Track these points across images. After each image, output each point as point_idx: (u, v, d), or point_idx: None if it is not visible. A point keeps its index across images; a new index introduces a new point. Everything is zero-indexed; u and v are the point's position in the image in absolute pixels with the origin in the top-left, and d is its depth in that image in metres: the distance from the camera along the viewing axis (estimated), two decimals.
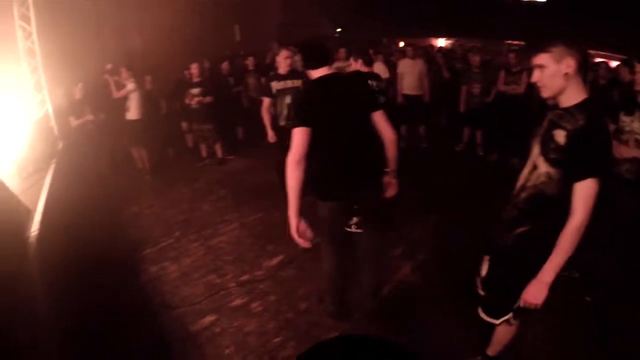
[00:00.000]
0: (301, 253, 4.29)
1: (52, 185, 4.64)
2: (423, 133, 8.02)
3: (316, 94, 2.82)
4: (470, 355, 2.96)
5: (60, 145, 6.19)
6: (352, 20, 13.69)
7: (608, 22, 11.68)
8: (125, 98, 6.53)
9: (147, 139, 6.90)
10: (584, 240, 2.81)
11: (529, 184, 2.19)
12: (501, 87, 7.00)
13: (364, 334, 0.97)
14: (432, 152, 7.70)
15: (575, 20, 11.91)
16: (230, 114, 7.90)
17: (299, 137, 2.65)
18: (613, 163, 2.58)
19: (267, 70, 7.70)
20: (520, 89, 6.82)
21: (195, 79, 6.99)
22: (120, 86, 6.53)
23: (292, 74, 5.13)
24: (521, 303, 2.22)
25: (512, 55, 7.01)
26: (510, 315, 2.39)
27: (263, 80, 5.31)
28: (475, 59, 7.28)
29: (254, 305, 3.57)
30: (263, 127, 5.31)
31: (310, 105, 2.76)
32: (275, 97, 5.06)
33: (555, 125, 2.04)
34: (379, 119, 2.86)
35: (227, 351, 3.10)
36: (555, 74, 1.99)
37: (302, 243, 2.97)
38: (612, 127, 3.46)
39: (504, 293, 2.34)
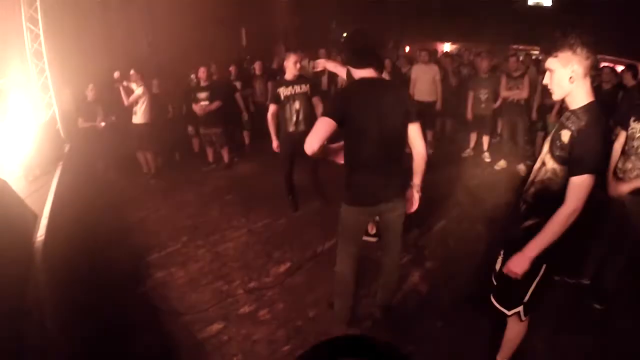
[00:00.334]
0: (309, 260, 4.28)
1: (58, 189, 4.63)
2: (431, 139, 7.98)
3: (356, 93, 2.79)
4: None
5: (67, 147, 6.18)
6: (359, 23, 13.68)
7: (614, 27, 11.66)
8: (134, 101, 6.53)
9: (154, 142, 6.90)
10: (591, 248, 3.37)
11: (537, 179, 2.32)
12: (504, 92, 6.96)
13: (361, 334, 0.96)
14: (439, 158, 7.65)
15: (581, 24, 11.88)
16: (237, 118, 7.88)
17: (322, 125, 2.66)
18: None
19: (274, 74, 7.70)
20: (524, 93, 6.79)
21: (203, 83, 6.98)
22: (129, 91, 6.52)
23: (300, 79, 5.06)
24: (505, 270, 2.34)
25: (512, 60, 7.00)
26: (521, 308, 2.46)
27: (270, 86, 5.21)
28: (484, 64, 7.25)
29: (262, 312, 3.54)
30: (269, 132, 5.25)
31: (346, 102, 2.75)
32: (283, 103, 5.00)
33: (563, 126, 2.19)
34: (414, 132, 2.85)
35: (235, 359, 3.06)
36: (561, 78, 2.12)
37: None
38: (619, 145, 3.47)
39: (513, 283, 2.38)
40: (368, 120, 2.70)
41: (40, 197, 4.33)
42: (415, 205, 3.10)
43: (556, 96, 2.20)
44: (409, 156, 2.94)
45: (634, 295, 3.80)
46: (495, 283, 2.64)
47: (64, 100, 6.67)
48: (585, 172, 2.04)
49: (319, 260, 4.25)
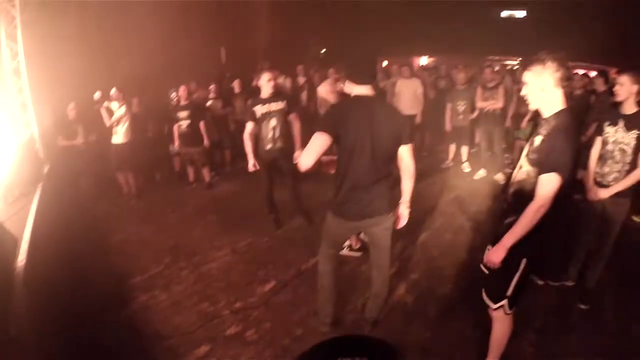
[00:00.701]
0: (294, 278, 4.27)
1: (38, 211, 4.56)
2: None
3: (352, 111, 2.83)
4: None
5: (46, 168, 6.09)
6: (337, 40, 13.82)
7: (586, 34, 12.01)
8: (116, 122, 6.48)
9: (134, 162, 6.83)
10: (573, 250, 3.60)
11: (515, 181, 2.56)
12: (480, 103, 7.08)
13: (360, 335, 0.96)
14: (420, 171, 7.70)
15: (554, 33, 12.23)
16: (217, 137, 7.85)
17: (318, 141, 2.72)
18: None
19: (254, 92, 7.74)
20: (499, 103, 6.91)
21: (183, 102, 6.97)
22: (110, 112, 6.46)
23: (276, 96, 5.06)
24: (485, 259, 2.56)
25: (487, 71, 7.13)
26: (505, 301, 2.61)
27: (248, 103, 5.23)
28: (460, 76, 7.40)
29: (249, 333, 3.50)
30: None
31: (342, 118, 2.79)
32: (260, 121, 4.99)
33: (537, 132, 2.45)
34: (405, 153, 2.96)
35: None
36: (534, 89, 2.38)
37: None
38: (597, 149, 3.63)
39: (498, 278, 2.58)
40: (361, 138, 2.75)
41: (19, 219, 4.26)
42: (403, 222, 3.21)
43: (532, 105, 2.47)
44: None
45: (618, 295, 3.93)
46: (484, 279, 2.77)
47: (45, 119, 6.58)
48: (550, 171, 2.25)
49: (303, 278, 4.24)
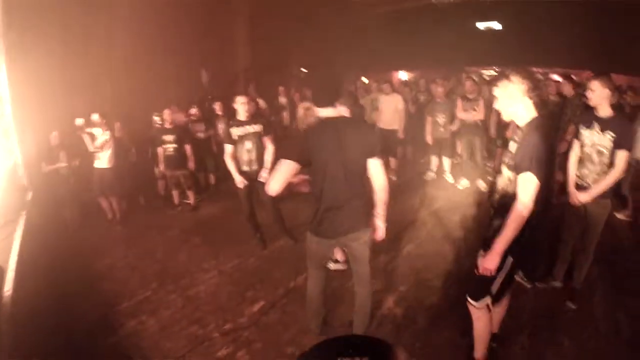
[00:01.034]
0: (282, 297, 4.27)
1: (23, 239, 4.50)
2: (394, 166, 8.15)
3: (318, 134, 2.92)
4: None
5: (29, 195, 6.02)
6: (316, 59, 13.94)
7: (561, 43, 12.30)
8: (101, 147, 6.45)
9: (118, 187, 6.78)
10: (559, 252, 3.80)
11: (498, 187, 2.72)
12: (460, 114, 7.20)
13: (360, 335, 0.97)
14: (404, 184, 7.82)
15: (530, 43, 12.52)
16: (201, 160, 7.85)
17: (284, 168, 2.82)
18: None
19: (236, 114, 7.79)
20: (479, 115, 7.03)
21: (168, 126, 7.00)
22: (93, 137, 6.43)
23: (252, 119, 5.16)
24: (480, 270, 2.64)
25: (468, 83, 7.25)
26: (488, 298, 2.75)
27: (224, 126, 5.32)
28: (438, 90, 7.52)
29: (240, 354, 3.49)
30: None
31: (309, 144, 2.88)
32: (237, 143, 5.06)
33: (513, 140, 2.63)
34: (374, 167, 2.96)
35: None
36: (504, 102, 2.58)
37: None
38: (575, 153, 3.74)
39: (482, 275, 2.68)
40: (332, 160, 2.83)
41: (4, 248, 4.20)
42: (380, 234, 3.22)
43: (504, 117, 2.68)
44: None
45: (607, 293, 4.04)
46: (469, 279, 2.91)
47: (28, 145, 6.51)
48: (526, 170, 2.41)
49: (292, 297, 4.25)
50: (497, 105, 2.63)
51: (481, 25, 16.04)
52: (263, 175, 4.96)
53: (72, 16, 8.92)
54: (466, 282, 2.78)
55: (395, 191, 7.21)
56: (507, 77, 2.51)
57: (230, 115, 7.79)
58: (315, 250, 3.21)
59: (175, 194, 7.39)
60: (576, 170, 3.73)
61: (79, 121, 6.51)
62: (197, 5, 11.34)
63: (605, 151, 3.51)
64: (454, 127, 7.51)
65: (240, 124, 5.08)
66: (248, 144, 5.04)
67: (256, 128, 5.09)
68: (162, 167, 7.17)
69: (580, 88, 7.12)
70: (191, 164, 7.07)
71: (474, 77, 7.55)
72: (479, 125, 7.17)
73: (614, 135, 3.45)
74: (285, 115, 9.00)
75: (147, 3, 9.46)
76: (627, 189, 5.78)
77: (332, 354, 0.93)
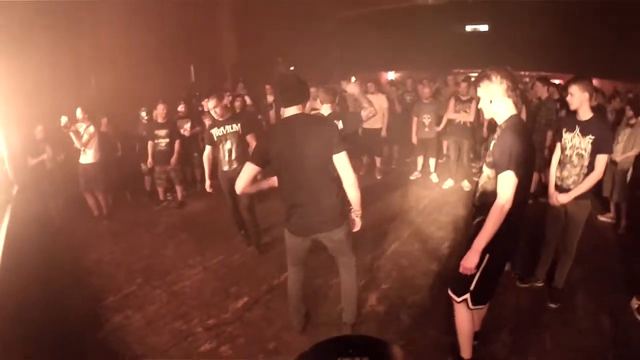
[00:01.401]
0: (266, 293, 4.33)
1: (8, 233, 4.50)
2: (380, 165, 8.23)
3: (276, 135, 3.03)
4: None
5: (15, 189, 6.01)
6: (304, 57, 13.98)
7: (546, 46, 12.47)
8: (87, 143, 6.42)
9: (104, 182, 6.76)
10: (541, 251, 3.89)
11: (480, 185, 2.77)
12: (451, 115, 7.28)
13: (360, 335, 0.99)
14: (388, 182, 7.91)
15: (516, 46, 12.67)
16: (189, 156, 7.87)
17: (246, 169, 3.02)
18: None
19: None
20: (470, 117, 7.11)
21: (162, 120, 7.04)
22: (78, 134, 6.39)
23: (231, 118, 5.14)
24: (461, 269, 2.68)
25: (464, 85, 7.30)
26: (468, 295, 2.78)
27: (206, 126, 5.29)
28: (425, 91, 7.59)
29: (223, 349, 3.54)
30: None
31: (267, 146, 3.01)
32: (217, 143, 5.07)
33: (492, 138, 2.70)
34: (339, 161, 2.94)
35: None
36: (485, 102, 2.63)
37: None
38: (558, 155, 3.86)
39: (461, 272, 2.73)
40: (289, 158, 2.92)
41: None
42: (357, 227, 3.29)
43: (486, 116, 2.74)
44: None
45: (588, 292, 4.15)
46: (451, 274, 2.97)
47: (12, 140, 6.48)
48: (505, 169, 2.45)
49: (275, 293, 4.30)
50: (480, 104, 2.71)
51: (469, 28, 16.19)
52: None
53: (59, 12, 8.88)
54: (450, 278, 2.82)
55: (381, 190, 7.39)
56: (487, 76, 2.56)
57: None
58: (290, 246, 3.29)
59: (160, 190, 7.40)
60: (557, 172, 3.83)
61: (64, 119, 6.44)
62: (185, 2, 11.33)
63: (585, 154, 3.59)
64: (440, 127, 7.60)
65: (220, 124, 5.07)
66: (228, 144, 5.04)
67: (235, 127, 5.06)
68: (152, 162, 7.17)
69: (557, 91, 7.31)
70: (173, 160, 7.06)
71: (470, 80, 7.63)
72: (468, 127, 7.26)
73: (593, 138, 3.53)
74: (272, 114, 9.02)
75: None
76: (608, 191, 5.90)
77: (332, 354, 0.95)
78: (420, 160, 8.11)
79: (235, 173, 4.86)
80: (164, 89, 9.64)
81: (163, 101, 7.22)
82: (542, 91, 6.43)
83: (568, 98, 3.71)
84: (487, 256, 2.65)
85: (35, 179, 6.46)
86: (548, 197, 3.93)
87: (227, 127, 5.05)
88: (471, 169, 7.74)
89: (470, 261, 2.61)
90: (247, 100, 9.19)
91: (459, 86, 7.76)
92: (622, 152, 5.59)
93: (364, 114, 4.68)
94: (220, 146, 5.06)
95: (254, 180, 3.13)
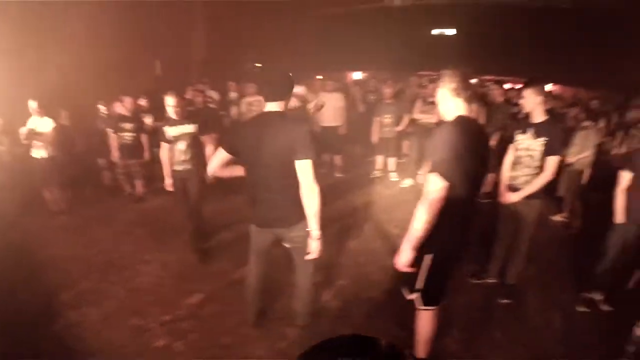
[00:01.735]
0: (222, 289, 4.38)
1: None
2: (339, 163, 8.35)
3: (246, 127, 3.11)
4: None
5: None
6: (271, 55, 13.99)
7: (513, 52, 12.79)
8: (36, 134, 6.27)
9: (60, 177, 6.64)
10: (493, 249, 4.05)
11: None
12: (417, 115, 7.44)
13: (360, 335, 1.05)
14: (348, 181, 8.04)
15: (482, 50, 12.95)
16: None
17: (217, 154, 3.12)
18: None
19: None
20: (434, 118, 7.26)
21: (127, 113, 7.00)
22: (32, 127, 6.24)
23: (186, 118, 4.95)
24: (395, 265, 2.74)
25: (431, 87, 7.34)
26: (416, 295, 2.86)
27: (160, 124, 5.11)
28: (387, 91, 7.74)
29: (177, 344, 3.58)
30: None
31: (234, 135, 3.13)
32: (170, 142, 4.90)
33: None
34: (299, 169, 2.90)
35: None
36: (439, 100, 2.78)
37: None
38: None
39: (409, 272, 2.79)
40: (255, 154, 2.96)
41: None
42: (313, 252, 3.10)
43: (440, 114, 2.86)
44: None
45: (540, 289, 4.38)
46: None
47: None
48: (432, 171, 2.50)
49: (230, 289, 4.34)
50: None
51: (435, 31, 16.46)
52: (203, 177, 4.85)
53: (24, 4, 8.69)
54: (403, 275, 2.91)
55: (341, 188, 7.49)
56: (441, 77, 2.69)
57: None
58: (253, 238, 3.34)
59: (126, 183, 7.38)
60: (509, 172, 4.00)
61: (33, 104, 6.21)
62: None
63: (536, 155, 3.77)
64: (400, 127, 7.77)
65: (174, 123, 4.89)
66: (181, 145, 4.88)
67: (189, 129, 4.90)
68: (116, 155, 7.11)
69: (511, 96, 7.56)
70: (147, 154, 7.04)
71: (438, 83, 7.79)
72: (431, 128, 7.43)
73: (546, 139, 3.70)
74: (235, 110, 9.02)
75: None
76: (563, 191, 6.15)
77: (332, 354, 0.99)
78: (380, 159, 8.26)
79: (187, 173, 4.91)
80: (129, 83, 9.50)
81: (128, 95, 7.17)
82: (497, 94, 6.65)
83: (521, 101, 3.90)
84: (430, 257, 2.73)
85: None
86: (500, 196, 4.10)
87: (181, 127, 4.88)
88: None
89: (400, 257, 2.69)
90: (215, 95, 9.17)
91: (423, 88, 7.93)
92: (577, 154, 5.86)
93: (310, 106, 4.66)
94: (173, 146, 4.91)
95: (225, 165, 3.16)
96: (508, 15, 13.45)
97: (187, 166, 4.94)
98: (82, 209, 6.91)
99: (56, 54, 9.89)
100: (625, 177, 3.82)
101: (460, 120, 2.63)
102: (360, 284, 4.51)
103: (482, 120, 6.24)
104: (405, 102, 8.14)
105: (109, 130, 7.07)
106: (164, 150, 5.00)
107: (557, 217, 6.26)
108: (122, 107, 7.10)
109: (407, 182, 7.75)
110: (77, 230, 6.09)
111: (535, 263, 4.62)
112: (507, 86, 8.73)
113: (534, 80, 3.83)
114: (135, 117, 7.14)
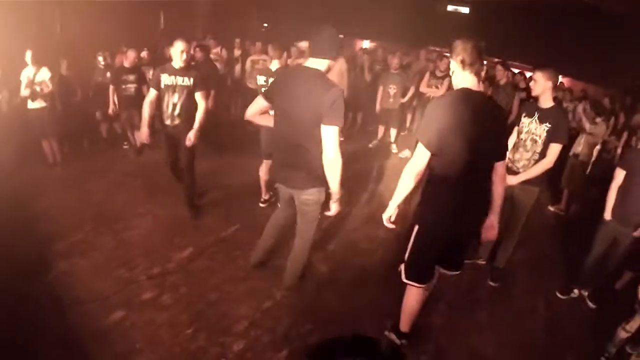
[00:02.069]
0: (212, 245, 4.40)
1: None
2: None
3: (286, 78, 3.07)
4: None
5: None
6: (279, 15, 13.73)
7: (524, 38, 12.56)
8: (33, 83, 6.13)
9: (58, 128, 6.56)
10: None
11: None
12: (423, 88, 7.35)
13: (360, 335, 1.03)
14: (347, 148, 7.95)
15: (493, 31, 12.69)
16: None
17: (256, 101, 3.20)
18: None
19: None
20: (440, 92, 7.17)
21: (129, 65, 6.93)
22: (28, 77, 6.13)
23: (186, 71, 4.56)
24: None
25: (444, 61, 7.32)
26: (402, 266, 2.89)
27: (156, 69, 4.76)
28: (394, 61, 7.63)
29: (164, 297, 3.60)
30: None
31: (274, 86, 3.11)
32: (163, 92, 4.57)
33: None
34: (324, 134, 2.87)
35: (138, 345, 3.10)
36: (452, 73, 2.66)
37: None
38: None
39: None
40: (285, 109, 2.97)
41: None
42: (332, 211, 3.32)
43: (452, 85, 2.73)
44: None
45: (529, 275, 4.41)
46: None
47: None
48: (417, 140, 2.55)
49: (221, 246, 4.37)
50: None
51: (450, 7, 16.15)
52: (190, 137, 4.56)
53: None
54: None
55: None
56: (452, 47, 2.60)
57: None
58: (278, 186, 3.43)
59: (130, 134, 7.34)
60: (510, 154, 3.89)
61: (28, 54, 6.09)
62: None
63: (539, 140, 3.71)
64: (404, 99, 7.67)
65: (173, 72, 4.53)
66: (174, 97, 4.56)
67: (187, 81, 4.54)
68: (115, 107, 7.07)
69: (524, 80, 7.43)
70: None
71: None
72: None
73: (550, 126, 3.64)
74: (238, 68, 8.90)
75: None
76: (566, 181, 6.12)
77: (332, 355, 0.97)
78: (381, 129, 8.18)
79: (176, 130, 4.67)
80: (132, 35, 9.33)
81: (131, 46, 7.09)
82: (501, 75, 6.54)
83: (531, 84, 3.81)
84: (416, 227, 2.76)
85: None
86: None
87: (178, 78, 4.53)
88: None
89: (385, 213, 2.81)
90: (219, 51, 9.02)
91: (434, 62, 7.81)
92: (583, 146, 5.89)
93: None
94: (166, 96, 4.58)
95: (262, 113, 3.25)
96: (524, 1, 13.11)
97: (177, 122, 4.66)
98: (80, 162, 6.86)
99: (60, 4, 9.71)
100: (619, 175, 3.82)
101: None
102: (348, 250, 4.53)
103: None
104: (411, 73, 8.02)
105: (109, 83, 7.01)
106: (149, 96, 4.67)
107: (553, 208, 6.27)
108: (125, 59, 7.02)
109: (405, 153, 7.69)
110: (73, 182, 6.05)
111: (526, 250, 4.62)
112: (516, 71, 8.56)
113: (546, 65, 3.75)
114: (137, 69, 7.06)
